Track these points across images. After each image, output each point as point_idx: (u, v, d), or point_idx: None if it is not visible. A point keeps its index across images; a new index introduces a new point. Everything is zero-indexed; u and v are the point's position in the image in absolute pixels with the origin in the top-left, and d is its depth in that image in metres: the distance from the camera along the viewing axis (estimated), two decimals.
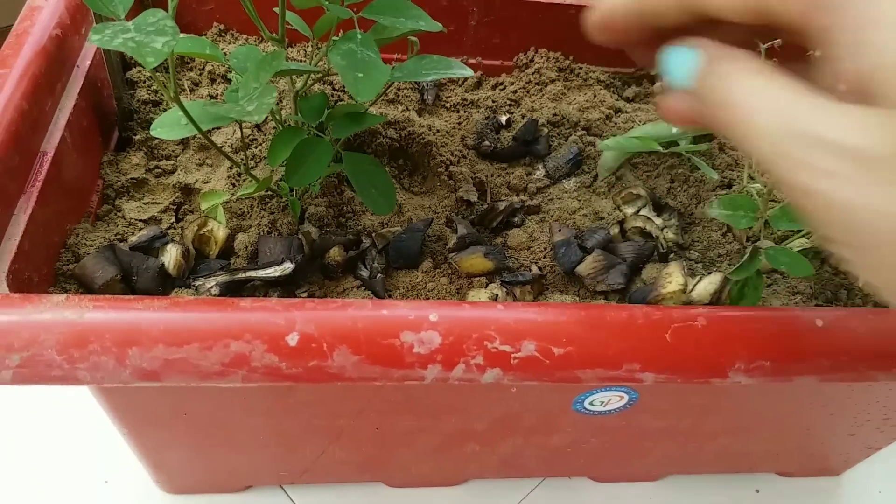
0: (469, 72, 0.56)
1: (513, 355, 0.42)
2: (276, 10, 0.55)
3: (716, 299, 0.54)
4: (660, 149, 0.60)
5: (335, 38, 0.54)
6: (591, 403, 0.56)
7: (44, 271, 0.52)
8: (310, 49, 0.78)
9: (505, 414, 0.57)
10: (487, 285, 0.57)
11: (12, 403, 0.75)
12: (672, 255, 0.62)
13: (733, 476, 0.78)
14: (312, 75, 0.61)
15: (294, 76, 0.58)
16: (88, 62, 0.62)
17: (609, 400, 0.56)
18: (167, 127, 0.51)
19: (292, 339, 0.41)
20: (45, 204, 0.52)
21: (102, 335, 0.40)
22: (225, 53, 0.74)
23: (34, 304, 0.40)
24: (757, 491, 0.77)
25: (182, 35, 0.73)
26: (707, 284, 0.54)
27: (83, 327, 0.40)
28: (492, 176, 0.68)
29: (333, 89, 0.71)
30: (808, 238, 0.60)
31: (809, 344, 0.45)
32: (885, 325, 0.46)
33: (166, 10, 0.42)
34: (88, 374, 0.40)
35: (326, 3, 0.48)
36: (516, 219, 0.64)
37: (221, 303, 0.42)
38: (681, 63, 0.33)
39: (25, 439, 0.72)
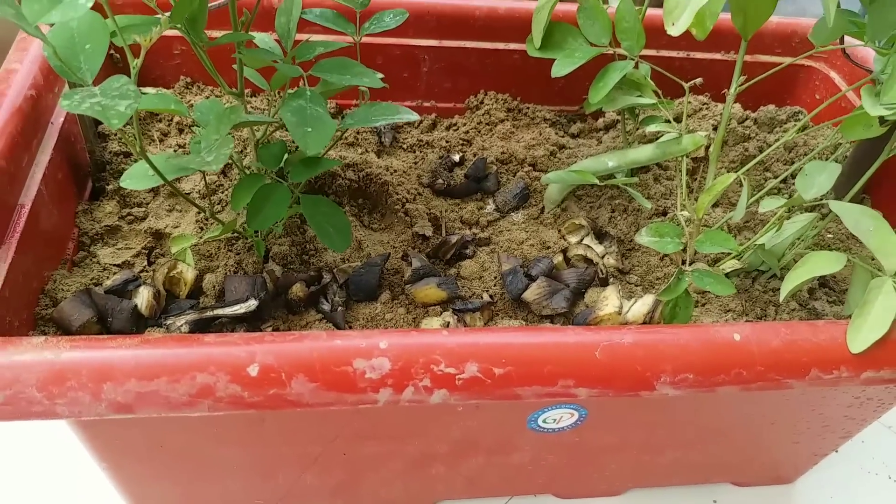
0: (414, 116, 0.60)
1: (457, 376, 0.46)
2: (235, 67, 0.59)
3: (649, 320, 0.59)
4: (597, 181, 0.64)
5: (289, 91, 0.58)
6: (544, 421, 0.60)
7: (23, 316, 0.56)
8: (270, 99, 0.82)
9: (464, 435, 0.61)
10: (441, 314, 0.62)
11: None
12: (613, 280, 0.66)
13: (692, 487, 0.82)
14: (272, 124, 0.65)
15: (254, 126, 0.62)
16: (62, 119, 0.66)
17: (560, 417, 0.60)
18: (136, 178, 0.55)
19: (253, 370, 0.45)
20: (23, 253, 0.56)
21: (79, 372, 0.43)
22: (191, 105, 0.78)
23: (15, 345, 0.44)
24: (714, 501, 0.81)
25: (149, 90, 0.78)
26: (640, 306, 0.59)
27: (61, 366, 0.43)
28: (446, 211, 0.73)
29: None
30: (738, 259, 0.65)
31: (728, 356, 0.49)
32: (798, 337, 0.51)
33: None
34: (67, 408, 0.43)
35: (277, 63, 0.53)
36: (468, 250, 0.68)
37: (187, 339, 0.45)
38: None
39: (7, 478, 0.74)
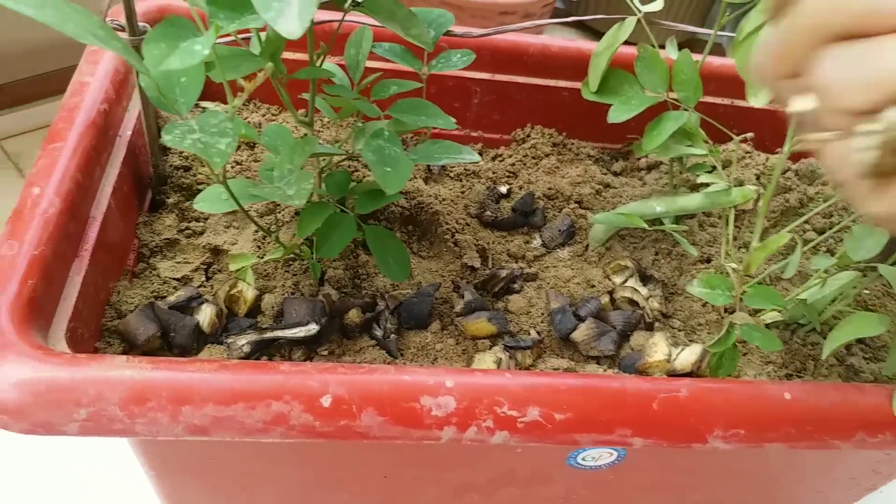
0: (476, 157, 0.62)
1: (519, 419, 0.48)
2: (306, 96, 0.61)
3: (696, 368, 0.61)
4: (645, 226, 0.66)
5: (360, 123, 0.60)
6: (583, 459, 0.61)
7: (92, 327, 0.57)
8: (327, 120, 0.84)
9: (505, 468, 0.63)
10: (491, 347, 0.63)
11: (33, 450, 0.79)
12: (657, 324, 0.68)
13: None
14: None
15: (323, 156, 0.64)
16: (129, 132, 0.68)
17: (599, 456, 0.61)
18: (209, 201, 0.57)
19: (326, 401, 0.46)
20: (94, 265, 0.57)
21: (160, 393, 0.45)
22: (249, 122, 0.80)
23: (99, 363, 0.45)
24: None
25: (208, 104, 0.79)
26: (688, 355, 0.61)
27: (143, 386, 0.45)
28: (492, 243, 0.75)
29: (351, 160, 0.77)
30: (779, 312, 0.67)
31: (779, 414, 0.51)
32: (846, 399, 0.52)
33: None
34: (146, 428, 0.45)
35: (357, 102, 0.54)
36: (516, 285, 0.70)
37: (264, 366, 0.47)
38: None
39: (48, 485, 0.76)
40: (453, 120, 0.57)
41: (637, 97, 0.68)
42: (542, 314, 0.67)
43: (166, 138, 0.43)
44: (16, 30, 1.03)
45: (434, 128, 0.68)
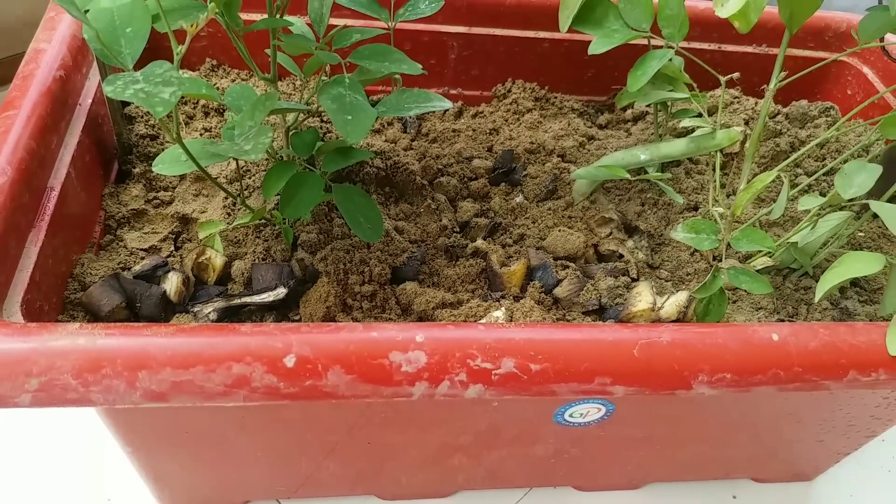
0: (448, 104, 0.59)
1: (493, 372, 0.46)
2: (268, 51, 0.59)
3: (682, 316, 0.58)
4: (628, 176, 0.64)
5: (324, 79, 0.58)
6: (570, 415, 0.60)
7: (53, 300, 0.55)
8: (298, 83, 0.82)
9: (489, 426, 0.61)
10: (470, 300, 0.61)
11: (17, 425, 0.77)
12: (643, 275, 0.66)
13: (711, 482, 0.82)
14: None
15: (286, 112, 0.62)
16: (90, 100, 0.65)
17: (587, 412, 0.59)
18: (168, 163, 0.54)
19: (289, 361, 0.44)
20: (53, 236, 0.55)
21: (114, 360, 0.43)
22: (218, 88, 0.78)
23: (50, 331, 0.43)
24: (734, 497, 0.81)
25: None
26: (674, 302, 0.58)
27: (97, 353, 0.43)
28: (474, 201, 0.72)
29: (322, 121, 0.75)
30: (770, 256, 0.64)
31: (766, 357, 0.49)
32: (836, 338, 0.50)
33: (165, 56, 0.46)
34: (102, 396, 0.43)
35: (316, 50, 0.52)
36: (496, 237, 0.68)
37: (224, 328, 0.45)
38: None
39: (31, 460, 0.75)
40: (419, 66, 0.54)
41: (620, 30, 0.65)
42: (527, 271, 0.65)
43: (107, 89, 0.41)
44: None
45: (404, 77, 0.65)
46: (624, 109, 0.84)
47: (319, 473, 0.67)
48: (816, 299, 0.56)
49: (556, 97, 0.84)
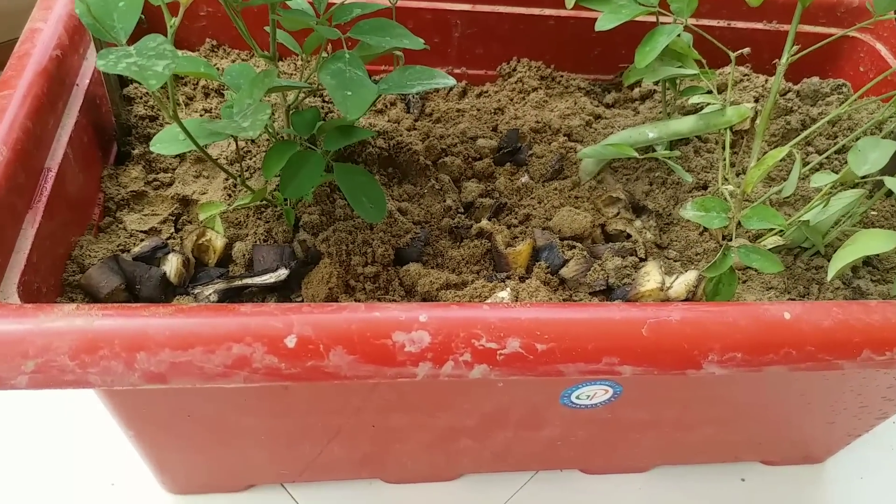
0: (451, 81, 0.58)
1: (499, 352, 0.45)
2: (267, 29, 0.57)
3: (692, 296, 0.57)
4: (636, 155, 0.62)
5: (324, 55, 0.56)
6: (577, 397, 0.59)
7: (51, 282, 0.55)
8: (300, 63, 0.80)
9: (495, 409, 0.60)
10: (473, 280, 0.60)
11: (21, 408, 0.77)
12: (651, 255, 0.64)
13: (719, 466, 0.81)
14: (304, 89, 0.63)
15: (286, 91, 0.60)
16: (87, 80, 0.64)
17: (594, 393, 0.58)
18: (166, 143, 0.53)
19: (290, 341, 0.43)
20: (50, 218, 0.54)
21: (112, 341, 0.42)
22: (218, 69, 0.77)
23: (46, 313, 0.43)
24: (742, 479, 0.80)
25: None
26: (683, 282, 0.57)
27: (94, 334, 0.42)
28: (479, 181, 0.71)
29: (323, 101, 0.74)
30: (781, 235, 0.63)
31: (778, 335, 0.48)
32: (849, 316, 0.49)
33: (164, 34, 0.45)
34: (99, 377, 0.42)
35: (315, 24, 0.51)
36: (500, 218, 0.67)
37: (223, 308, 0.44)
38: None
39: (34, 443, 0.74)
40: (421, 41, 0.53)
41: (628, 6, 0.64)
42: (532, 251, 0.64)
43: (99, 63, 0.40)
44: None
45: (407, 56, 0.64)
46: (631, 88, 0.83)
47: (323, 457, 0.67)
48: (829, 278, 0.55)
49: (562, 76, 0.83)
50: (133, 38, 0.44)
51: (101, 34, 0.43)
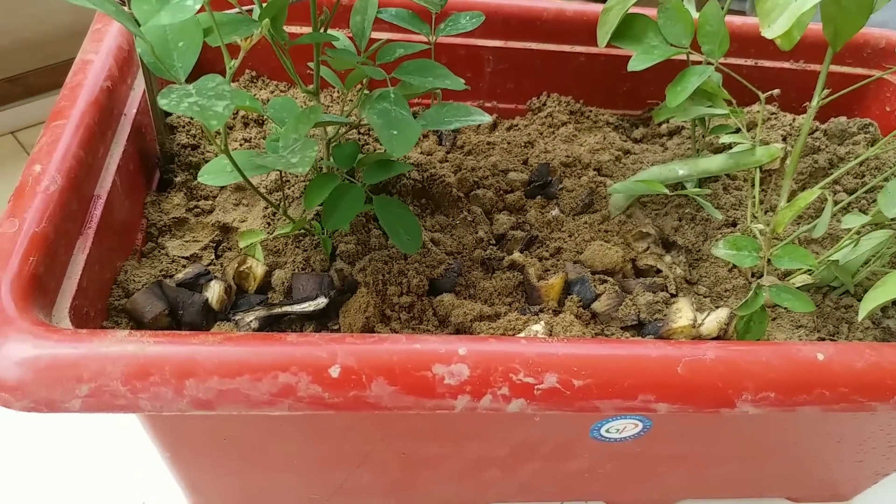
0: (487, 118, 0.59)
1: (536, 387, 0.46)
2: (311, 64, 0.59)
3: (723, 333, 0.58)
4: (666, 191, 0.63)
5: (365, 92, 0.58)
6: (607, 431, 0.59)
7: (98, 306, 0.56)
8: (335, 94, 0.82)
9: (525, 441, 0.61)
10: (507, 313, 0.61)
11: (55, 426, 0.78)
12: (682, 291, 0.65)
13: (745, 501, 0.81)
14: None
15: (328, 125, 0.62)
16: (135, 110, 0.67)
17: (624, 427, 0.59)
18: (213, 174, 0.55)
19: (334, 371, 0.45)
20: (99, 244, 0.56)
21: (162, 367, 0.43)
22: (257, 99, 0.79)
23: (100, 338, 0.44)
24: None
25: None
26: (714, 319, 0.58)
27: (145, 360, 0.43)
28: (510, 214, 0.72)
29: (359, 133, 0.76)
30: (810, 274, 0.64)
31: (811, 376, 0.48)
32: (882, 358, 0.50)
33: (212, 72, 0.47)
34: (149, 403, 0.43)
35: (361, 66, 0.52)
36: (532, 251, 0.68)
37: (270, 337, 0.45)
38: None
39: (67, 462, 0.76)
40: (462, 80, 0.54)
41: (660, 47, 0.65)
42: (564, 285, 0.65)
43: (162, 102, 0.42)
44: (30, 19, 1.02)
45: (442, 90, 0.66)
46: (659, 124, 0.84)
47: (352, 482, 0.68)
48: (860, 318, 0.55)
49: (590, 111, 0.85)
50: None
51: (161, 73, 0.45)
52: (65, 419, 0.79)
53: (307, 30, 0.79)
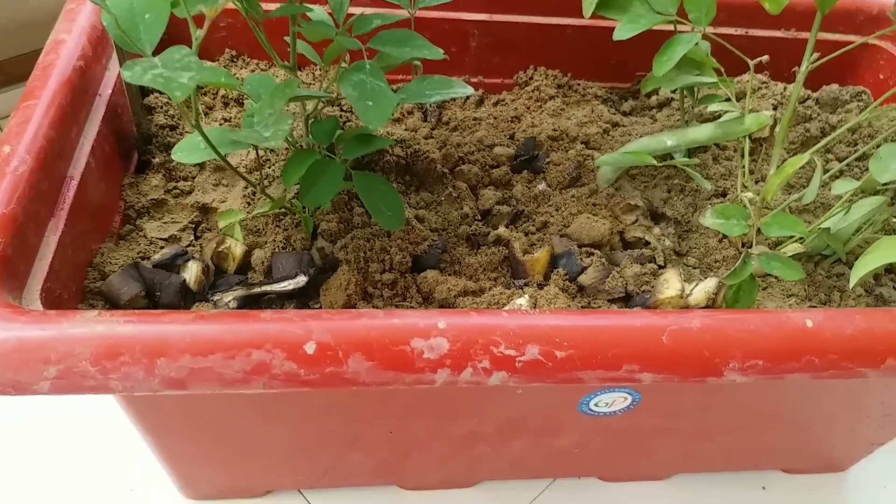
0: (469, 90, 0.58)
1: (517, 359, 0.45)
2: (287, 39, 0.58)
3: (711, 303, 0.57)
4: (654, 162, 0.62)
5: (344, 65, 0.57)
6: (595, 405, 0.58)
7: (72, 289, 0.55)
8: (318, 72, 0.81)
9: (513, 416, 0.60)
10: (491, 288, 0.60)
11: (41, 413, 0.78)
12: (670, 263, 0.64)
13: (740, 474, 0.80)
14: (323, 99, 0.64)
15: (305, 100, 0.61)
16: (109, 90, 0.65)
17: (613, 401, 0.58)
18: (187, 151, 0.54)
19: (310, 348, 0.44)
20: (72, 226, 0.55)
21: (133, 347, 0.42)
22: (238, 78, 0.77)
23: (69, 319, 0.43)
24: (763, 488, 0.79)
25: None
26: (703, 289, 0.57)
27: (115, 340, 0.42)
28: (496, 189, 0.71)
29: (342, 110, 0.74)
30: (801, 243, 0.63)
31: (800, 343, 0.47)
32: (873, 324, 0.48)
33: (186, 45, 0.45)
34: (120, 383, 0.42)
35: (337, 36, 0.51)
36: (518, 225, 0.67)
37: (243, 315, 0.44)
38: None
39: (54, 449, 0.75)
40: (441, 51, 0.53)
41: (646, 15, 0.64)
42: (550, 259, 0.63)
43: (125, 74, 0.40)
44: (7, 7, 1.00)
45: (425, 66, 0.64)
46: (648, 96, 0.83)
47: (341, 463, 0.67)
48: (850, 286, 0.54)
49: (579, 84, 0.83)
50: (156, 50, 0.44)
51: (127, 45, 0.44)
52: (52, 406, 0.78)
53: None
